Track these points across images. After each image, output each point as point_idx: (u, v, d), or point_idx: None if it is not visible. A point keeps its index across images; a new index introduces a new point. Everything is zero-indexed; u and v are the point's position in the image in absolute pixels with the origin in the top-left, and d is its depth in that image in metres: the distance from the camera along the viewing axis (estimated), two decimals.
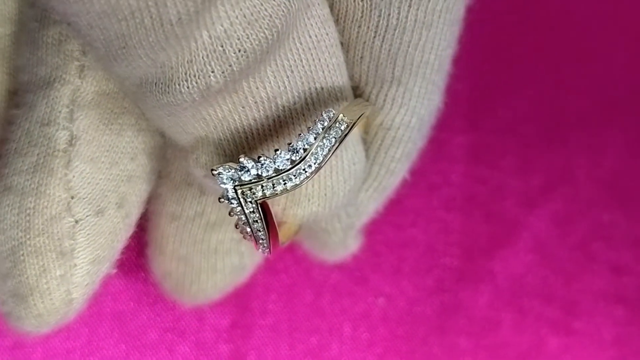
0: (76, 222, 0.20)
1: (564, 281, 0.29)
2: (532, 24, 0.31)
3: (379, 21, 0.19)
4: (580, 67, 0.31)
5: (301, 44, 0.19)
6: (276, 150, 0.18)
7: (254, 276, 0.26)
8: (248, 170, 0.18)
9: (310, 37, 0.19)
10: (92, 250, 0.20)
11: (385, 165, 0.22)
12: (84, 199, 0.20)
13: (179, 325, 0.26)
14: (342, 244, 0.24)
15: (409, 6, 0.19)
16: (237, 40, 0.17)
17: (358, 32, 0.20)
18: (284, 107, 0.19)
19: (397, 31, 0.19)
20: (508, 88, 0.30)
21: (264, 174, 0.18)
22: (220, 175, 0.18)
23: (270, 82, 0.18)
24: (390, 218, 0.28)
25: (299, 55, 0.19)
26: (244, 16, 0.17)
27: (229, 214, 0.19)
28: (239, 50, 0.17)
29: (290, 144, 0.18)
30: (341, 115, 0.19)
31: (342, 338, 0.27)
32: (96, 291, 0.26)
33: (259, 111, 0.19)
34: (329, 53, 0.19)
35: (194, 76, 0.17)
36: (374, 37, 0.20)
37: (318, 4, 0.19)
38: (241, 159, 0.18)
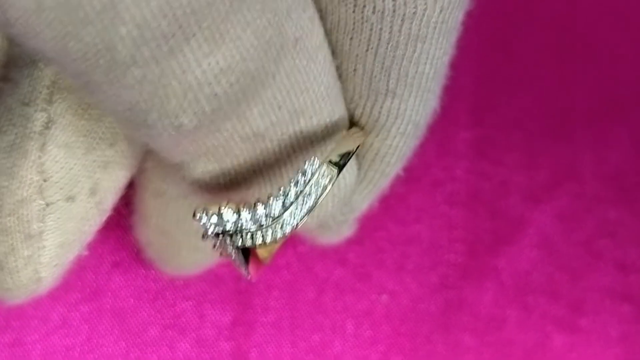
0: (47, 205, 0.20)
1: (570, 278, 0.28)
2: (537, 20, 0.31)
3: (370, 35, 0.19)
4: (585, 63, 0.31)
5: (289, 80, 0.18)
6: (256, 203, 0.18)
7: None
8: (228, 221, 0.18)
9: (299, 72, 0.18)
10: (61, 234, 0.20)
11: (380, 171, 0.22)
12: (56, 183, 0.20)
13: (179, 322, 0.26)
14: (335, 234, 0.24)
15: (402, 20, 0.18)
16: (208, 87, 0.17)
17: (350, 45, 0.19)
18: (272, 140, 0.19)
19: (390, 45, 0.19)
20: (513, 84, 0.30)
21: (244, 227, 0.18)
22: (202, 222, 0.19)
23: (256, 120, 0.18)
24: (393, 214, 0.28)
25: (287, 92, 0.18)
26: (217, 63, 0.16)
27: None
28: (212, 94, 0.17)
29: (270, 197, 0.18)
30: (324, 167, 0.18)
31: (345, 335, 0.27)
32: (95, 288, 0.26)
33: (245, 146, 0.19)
34: (318, 83, 0.19)
35: (166, 116, 0.17)
36: (367, 50, 0.19)
37: (307, 35, 0.18)
38: (222, 210, 0.18)
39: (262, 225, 0.18)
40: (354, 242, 0.27)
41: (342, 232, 0.24)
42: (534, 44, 0.30)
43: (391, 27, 0.18)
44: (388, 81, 0.19)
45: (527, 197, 0.29)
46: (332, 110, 0.20)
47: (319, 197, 0.18)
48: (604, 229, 0.29)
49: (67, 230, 0.20)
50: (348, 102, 0.20)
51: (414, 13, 0.18)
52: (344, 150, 0.19)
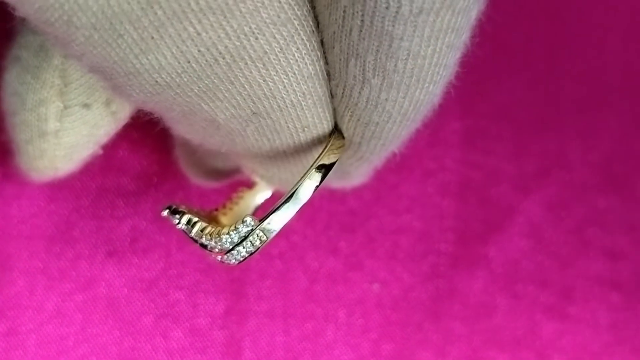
0: (65, 108, 0.21)
1: (559, 266, 0.29)
2: (525, 10, 0.31)
3: (344, 17, 0.18)
4: (573, 52, 0.31)
5: (251, 88, 0.18)
6: (219, 233, 0.20)
7: (249, 262, 0.27)
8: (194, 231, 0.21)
9: (263, 82, 0.18)
10: (75, 135, 0.22)
11: (370, 150, 0.21)
12: (75, 89, 0.21)
13: (173, 312, 0.26)
14: (342, 185, 0.24)
15: (373, 12, 0.17)
16: (148, 75, 0.18)
17: (329, 20, 0.18)
18: (233, 130, 0.19)
19: (362, 33, 0.18)
20: (502, 74, 0.30)
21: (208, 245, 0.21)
22: (175, 222, 0.21)
23: (211, 111, 0.19)
24: (385, 204, 0.28)
25: (248, 96, 0.18)
26: (156, 59, 0.17)
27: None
28: (154, 82, 0.18)
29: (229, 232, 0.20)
30: (258, 230, 0.20)
31: (337, 324, 0.27)
32: (89, 278, 0.26)
33: (206, 125, 0.19)
34: (287, 92, 0.19)
35: (118, 85, 0.18)
36: (341, 31, 0.18)
37: (282, 49, 0.18)
38: (193, 234, 0.20)
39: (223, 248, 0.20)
40: (345, 231, 0.28)
41: (350, 183, 0.24)
42: (522, 35, 0.30)
43: (362, 16, 0.17)
44: (364, 69, 0.18)
45: (517, 186, 0.29)
46: (303, 116, 0.19)
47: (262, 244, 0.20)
48: (593, 217, 0.29)
49: (81, 133, 0.22)
50: (331, 78, 0.20)
51: (386, 8, 0.17)
52: (325, 161, 0.20)
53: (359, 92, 0.19)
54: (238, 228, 0.20)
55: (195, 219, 0.21)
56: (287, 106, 0.19)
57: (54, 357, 0.25)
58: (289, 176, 0.22)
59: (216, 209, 0.23)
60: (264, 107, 0.19)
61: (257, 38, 0.17)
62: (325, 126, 0.20)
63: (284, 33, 0.18)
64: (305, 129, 0.20)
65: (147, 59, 0.17)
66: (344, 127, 0.20)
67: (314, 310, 0.27)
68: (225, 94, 0.18)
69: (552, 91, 0.30)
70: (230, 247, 0.20)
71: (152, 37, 0.17)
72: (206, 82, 0.18)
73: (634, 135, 0.30)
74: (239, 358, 0.26)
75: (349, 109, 0.20)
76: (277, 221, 0.19)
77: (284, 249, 0.27)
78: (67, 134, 0.22)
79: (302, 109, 0.19)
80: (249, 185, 0.24)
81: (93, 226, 0.26)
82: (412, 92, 0.19)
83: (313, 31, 0.18)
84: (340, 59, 0.19)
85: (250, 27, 0.17)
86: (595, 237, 0.29)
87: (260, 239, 0.20)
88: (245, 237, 0.20)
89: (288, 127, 0.20)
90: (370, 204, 0.27)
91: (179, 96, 0.18)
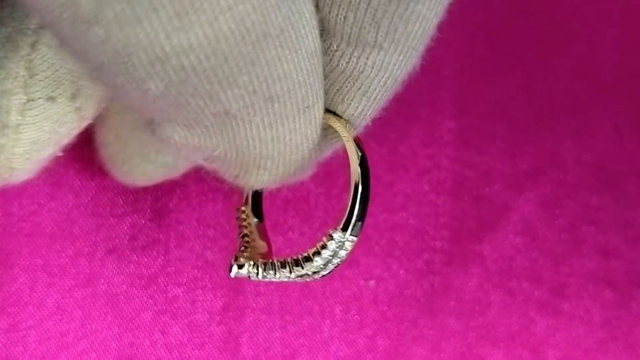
0: (28, 100, 0.20)
1: (553, 264, 0.29)
2: (520, 9, 0.31)
3: None
4: (567, 52, 0.31)
5: (268, 68, 0.18)
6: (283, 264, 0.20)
7: None
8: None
9: (279, 61, 0.18)
10: (37, 130, 0.21)
11: (360, 121, 0.22)
12: (40, 81, 0.20)
13: (172, 308, 0.26)
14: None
15: None
16: (176, 59, 0.16)
17: None
18: (243, 120, 0.19)
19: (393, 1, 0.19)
20: (496, 73, 0.30)
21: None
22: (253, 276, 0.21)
23: (229, 101, 0.18)
24: (381, 202, 0.28)
25: (265, 79, 0.18)
26: (188, 39, 0.16)
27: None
28: (180, 67, 0.17)
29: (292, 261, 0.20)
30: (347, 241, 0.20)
31: (334, 320, 0.27)
32: (89, 275, 0.26)
33: (215, 120, 0.19)
34: (297, 72, 0.19)
35: (132, 79, 0.17)
36: (359, 0, 0.19)
37: (294, 26, 0.18)
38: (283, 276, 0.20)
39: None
40: None
41: None
42: (516, 35, 0.30)
43: None
44: (377, 34, 0.19)
45: (511, 184, 0.29)
46: (307, 96, 0.20)
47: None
48: (587, 216, 0.29)
49: (43, 128, 0.21)
50: (333, 51, 0.20)
51: None
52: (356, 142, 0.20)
53: (367, 58, 0.20)
54: (328, 246, 0.20)
55: (264, 261, 0.20)
56: (295, 86, 0.19)
57: (54, 353, 0.26)
58: (286, 168, 0.22)
59: (244, 236, 0.23)
60: (276, 91, 0.19)
61: (276, 13, 0.17)
62: (321, 105, 0.20)
63: (294, 9, 0.18)
64: (307, 109, 0.20)
65: (179, 39, 0.16)
66: (338, 101, 0.21)
67: (311, 306, 0.27)
68: (245, 79, 0.18)
69: (546, 91, 0.30)
70: (323, 264, 0.20)
71: (187, 13, 0.16)
72: (231, 64, 0.17)
73: (628, 135, 0.30)
74: (236, 353, 0.27)
75: (351, 79, 0.20)
76: (359, 223, 0.20)
77: (281, 246, 0.27)
78: (28, 128, 0.21)
79: (307, 87, 0.19)
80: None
81: (93, 224, 0.26)
82: (412, 54, 0.20)
83: (313, 9, 0.19)
84: (352, 28, 0.19)
85: (271, 2, 0.17)
86: (588, 235, 0.29)
87: (350, 247, 0.20)
88: (336, 252, 0.20)
89: (293, 109, 0.19)
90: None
91: (200, 84, 0.17)
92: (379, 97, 0.21)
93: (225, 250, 0.27)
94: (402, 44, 0.20)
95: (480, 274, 0.28)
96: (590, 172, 0.30)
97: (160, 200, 0.27)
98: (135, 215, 0.26)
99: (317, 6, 0.20)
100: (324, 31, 0.20)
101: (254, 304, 0.27)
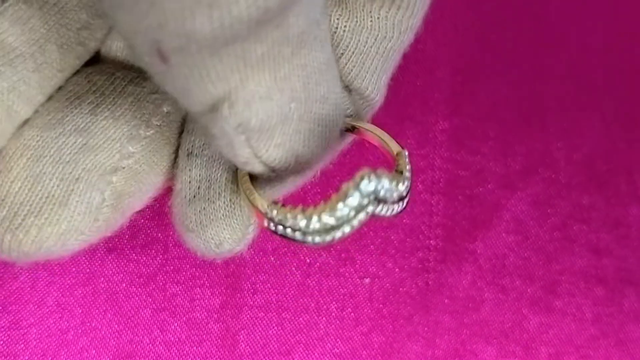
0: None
1: (545, 261, 0.29)
2: (511, 12, 0.31)
3: None
4: (557, 53, 0.31)
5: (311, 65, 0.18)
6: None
7: (244, 257, 0.27)
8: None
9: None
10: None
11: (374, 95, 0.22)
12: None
13: (170, 305, 0.27)
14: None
15: None
16: None
17: None
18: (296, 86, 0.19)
19: None
20: (489, 75, 0.30)
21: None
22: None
23: (294, 27, 0.17)
24: None
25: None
26: None
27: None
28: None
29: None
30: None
31: (330, 317, 0.27)
32: (90, 273, 0.26)
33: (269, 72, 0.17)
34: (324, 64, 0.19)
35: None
36: None
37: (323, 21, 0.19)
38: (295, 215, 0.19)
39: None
40: None
41: None
42: (507, 37, 0.31)
43: None
44: (398, 9, 0.20)
45: (504, 184, 0.29)
46: (325, 85, 0.20)
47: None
48: (578, 214, 0.29)
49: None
50: (356, 7, 0.20)
51: None
52: None
53: (394, 17, 0.20)
54: (403, 180, 0.19)
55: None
56: (320, 82, 0.19)
57: (55, 350, 0.26)
58: (308, 151, 0.20)
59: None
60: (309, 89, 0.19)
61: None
62: (339, 92, 0.21)
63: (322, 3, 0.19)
64: (325, 99, 0.20)
65: None
66: (361, 78, 0.21)
67: (307, 303, 0.27)
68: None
69: (537, 91, 0.30)
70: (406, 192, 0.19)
71: None
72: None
73: (618, 134, 0.30)
74: (234, 350, 0.27)
75: (374, 49, 0.21)
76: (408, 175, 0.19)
77: (278, 245, 0.27)
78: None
79: (327, 79, 0.19)
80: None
81: None
82: (422, 12, 0.21)
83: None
84: (375, 8, 0.20)
85: None
86: (580, 234, 0.29)
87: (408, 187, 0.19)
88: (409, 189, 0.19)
89: (317, 98, 0.19)
90: None
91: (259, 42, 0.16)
92: (395, 55, 0.21)
93: None
94: (418, 7, 0.20)
95: (473, 271, 0.28)
96: (581, 172, 0.30)
97: (159, 200, 0.27)
98: (134, 215, 0.26)
99: None
100: None
101: (251, 302, 0.27)
